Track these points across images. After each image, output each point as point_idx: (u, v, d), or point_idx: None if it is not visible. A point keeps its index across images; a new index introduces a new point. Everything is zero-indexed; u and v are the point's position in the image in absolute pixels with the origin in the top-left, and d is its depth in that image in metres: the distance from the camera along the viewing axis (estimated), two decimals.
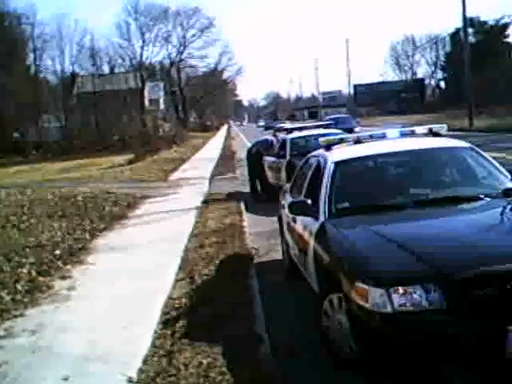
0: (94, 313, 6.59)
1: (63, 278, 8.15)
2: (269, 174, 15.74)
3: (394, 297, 4.10)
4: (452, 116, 47.58)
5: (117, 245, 10.22)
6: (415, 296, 4.09)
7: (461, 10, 41.39)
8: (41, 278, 8.02)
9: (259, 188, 16.53)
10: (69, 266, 8.76)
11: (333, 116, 45.46)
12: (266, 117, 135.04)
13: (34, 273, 8.19)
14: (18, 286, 7.55)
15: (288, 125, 24.66)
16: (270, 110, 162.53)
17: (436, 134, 6.86)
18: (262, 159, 16.36)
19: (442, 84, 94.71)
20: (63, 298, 7.25)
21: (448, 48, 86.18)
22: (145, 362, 5.20)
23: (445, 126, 7.05)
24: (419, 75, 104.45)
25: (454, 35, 72.35)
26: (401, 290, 4.11)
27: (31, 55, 63.92)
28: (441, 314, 4.05)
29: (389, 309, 4.10)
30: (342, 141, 6.95)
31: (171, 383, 4.75)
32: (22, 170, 34.24)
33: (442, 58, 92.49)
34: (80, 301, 7.12)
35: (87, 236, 10.85)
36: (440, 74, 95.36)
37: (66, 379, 4.86)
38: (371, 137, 6.80)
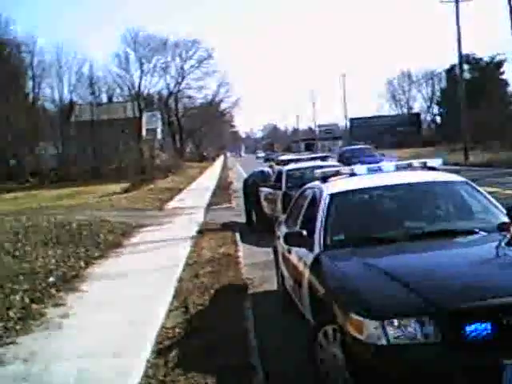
0: (86, 341, 6.54)
1: (56, 305, 8.10)
2: (264, 204, 15.76)
3: (389, 329, 4.10)
4: (448, 150, 47.87)
5: (111, 273, 10.18)
6: (410, 329, 4.09)
7: (456, 47, 41.91)
8: (34, 306, 7.97)
9: (254, 219, 16.51)
10: (62, 294, 8.71)
11: (349, 148, 42.31)
12: (264, 148, 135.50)
13: (27, 300, 8.14)
14: (11, 313, 7.49)
15: (290, 156, 24.58)
16: (267, 142, 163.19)
17: (431, 168, 6.91)
18: (258, 190, 16.38)
19: (438, 119, 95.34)
20: (56, 325, 7.20)
21: (444, 84, 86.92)
22: None
23: (440, 160, 7.10)
24: (415, 110, 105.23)
25: (450, 71, 72.96)
26: (395, 322, 4.10)
27: (30, 83, 64.34)
28: (435, 348, 4.04)
29: (384, 341, 4.09)
30: (337, 173, 6.98)
31: None
32: (18, 197, 34.20)
33: (438, 94, 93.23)
34: (73, 329, 7.08)
35: (82, 264, 10.80)
36: (436, 109, 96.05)
37: None
38: (367, 170, 6.84)
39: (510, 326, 4.01)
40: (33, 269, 10.03)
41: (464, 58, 47.52)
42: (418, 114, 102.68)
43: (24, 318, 7.43)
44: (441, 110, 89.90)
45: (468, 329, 4.03)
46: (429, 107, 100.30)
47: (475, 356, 3.99)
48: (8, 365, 5.92)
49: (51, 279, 9.30)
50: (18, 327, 7.09)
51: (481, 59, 72.93)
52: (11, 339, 6.68)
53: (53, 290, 8.78)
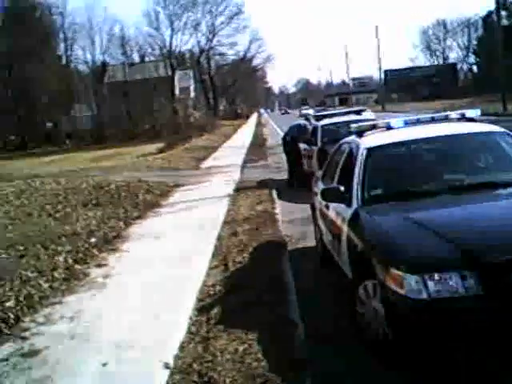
0: (129, 300, 6.69)
1: (99, 265, 8.27)
2: (302, 160, 15.69)
3: (430, 283, 4.09)
4: (485, 100, 46.89)
5: (151, 232, 10.32)
6: (451, 283, 4.08)
7: None
8: (77, 266, 8.15)
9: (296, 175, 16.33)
10: (104, 254, 8.88)
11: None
12: (298, 104, 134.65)
13: (70, 261, 8.33)
14: (56, 274, 7.68)
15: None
16: (300, 97, 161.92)
17: (470, 119, 6.78)
18: (297, 145, 16.23)
19: (475, 68, 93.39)
20: (99, 285, 7.37)
21: (480, 32, 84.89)
22: (181, 348, 5.27)
23: (478, 110, 6.95)
24: (451, 60, 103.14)
25: (487, 18, 71.29)
26: (436, 276, 4.10)
27: (62, 45, 64.68)
28: (477, 301, 4.04)
29: (424, 295, 4.09)
30: (374, 127, 6.89)
31: (208, 369, 4.81)
32: (55, 160, 34.69)
33: (474, 42, 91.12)
34: (116, 288, 7.23)
35: (121, 224, 10.97)
36: (472, 58, 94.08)
37: (104, 365, 4.95)
38: (404, 123, 6.74)
39: None
40: (74, 230, 10.22)
41: (501, 4, 46.19)
42: (454, 64, 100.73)
43: (68, 278, 7.62)
44: (478, 59, 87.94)
45: (510, 280, 4.00)
46: (465, 56, 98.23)
47: None
48: (56, 323, 6.09)
49: (93, 240, 9.48)
50: (63, 287, 7.28)
51: None
52: (58, 299, 6.86)
53: (95, 251, 8.96)
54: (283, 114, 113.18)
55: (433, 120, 6.73)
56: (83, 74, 66.99)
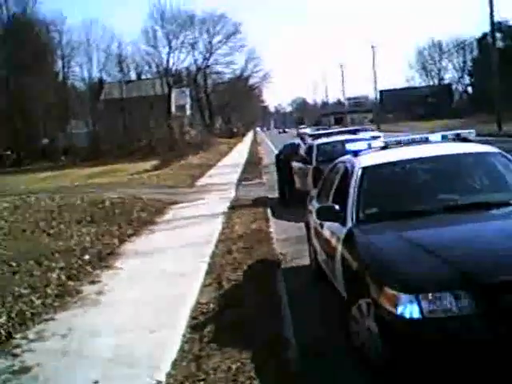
0: (122, 317, 6.65)
1: (92, 282, 8.24)
2: (296, 179, 15.73)
3: (424, 303, 4.09)
4: (480, 121, 47.11)
5: (145, 250, 10.30)
6: (445, 302, 4.08)
7: (488, 15, 41.05)
8: (70, 283, 8.12)
9: (287, 194, 16.44)
10: (98, 271, 8.85)
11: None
12: (294, 123, 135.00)
13: (63, 277, 8.29)
14: (49, 290, 7.64)
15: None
16: (296, 116, 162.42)
17: (464, 139, 6.81)
18: (290, 164, 16.30)
19: (470, 89, 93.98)
20: (92, 302, 7.33)
21: (475, 53, 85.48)
22: (173, 366, 5.24)
23: (473, 131, 6.99)
24: (446, 80, 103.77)
25: (482, 40, 71.73)
26: (430, 296, 4.09)
27: (59, 62, 64.98)
28: (471, 321, 4.04)
29: (418, 315, 4.09)
30: (369, 146, 6.92)
31: None
32: (50, 176, 34.67)
33: (470, 63, 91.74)
34: (109, 305, 7.19)
35: (116, 241, 10.94)
36: (467, 79, 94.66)
37: (96, 382, 4.90)
38: (399, 143, 6.77)
39: None
40: (68, 247, 10.20)
41: (496, 26, 46.58)
42: (449, 85, 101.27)
43: (61, 294, 7.58)
44: (472, 80, 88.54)
45: (503, 301, 4.00)
46: (460, 77, 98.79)
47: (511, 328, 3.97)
48: (47, 340, 6.05)
49: (86, 257, 9.45)
50: (55, 304, 7.24)
51: None
52: (50, 315, 6.83)
53: (88, 268, 8.93)
54: (280, 133, 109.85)
55: (427, 140, 6.77)
56: (80, 90, 67.22)
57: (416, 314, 4.10)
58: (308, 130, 23.68)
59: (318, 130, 26.72)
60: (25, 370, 5.31)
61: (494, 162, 6.36)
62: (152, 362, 5.28)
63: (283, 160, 17.02)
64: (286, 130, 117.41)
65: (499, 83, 41.07)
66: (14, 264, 8.95)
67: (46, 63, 60.01)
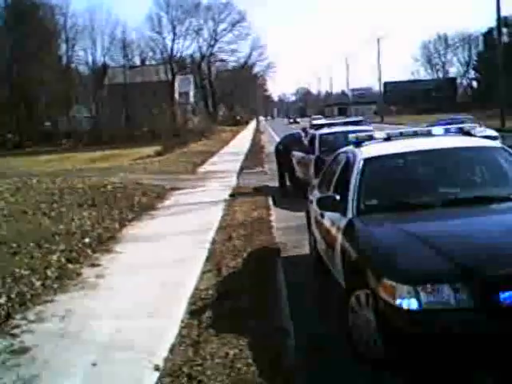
0: (121, 301, 6.67)
1: (92, 265, 8.26)
2: (297, 168, 15.75)
3: (422, 294, 4.11)
4: (484, 116, 47.01)
5: (145, 235, 10.33)
6: (443, 294, 4.10)
7: (495, 9, 40.90)
8: (70, 265, 8.14)
9: (288, 183, 16.49)
10: (98, 254, 8.87)
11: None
12: (297, 113, 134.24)
13: (63, 260, 8.31)
14: (49, 273, 7.66)
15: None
16: (299, 106, 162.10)
17: (467, 133, 6.82)
18: (291, 154, 16.32)
19: (475, 84, 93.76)
20: (91, 285, 7.36)
21: (481, 47, 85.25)
22: (171, 351, 5.27)
23: (476, 125, 7.00)
24: (451, 74, 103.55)
25: (487, 34, 71.55)
26: (429, 287, 4.11)
27: (63, 46, 64.81)
28: (468, 313, 4.06)
29: (416, 306, 4.11)
30: (371, 138, 6.92)
31: (197, 373, 4.80)
32: (52, 159, 34.67)
33: (475, 58, 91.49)
34: (108, 288, 7.22)
35: (116, 225, 10.96)
36: (472, 74, 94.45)
37: (94, 365, 4.94)
38: (402, 134, 6.78)
39: None
40: (68, 230, 10.21)
41: (502, 21, 46.38)
42: (453, 79, 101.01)
43: (61, 277, 7.60)
44: (477, 74, 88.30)
45: (502, 296, 4.02)
46: (465, 72, 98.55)
47: (508, 322, 3.99)
48: (47, 322, 6.08)
49: (87, 240, 9.47)
50: (55, 286, 7.26)
51: None
52: (49, 297, 6.85)
53: (88, 251, 8.95)
54: (291, 123, 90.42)
55: (430, 133, 6.77)
56: (83, 74, 67.08)
57: (414, 306, 4.12)
58: (323, 121, 23.27)
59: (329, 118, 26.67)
60: (23, 350, 5.34)
61: (496, 157, 6.37)
62: (150, 347, 5.30)
63: (283, 150, 17.02)
64: (298, 119, 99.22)
65: (504, 78, 40.94)
66: (14, 245, 8.97)
67: (50, 48, 59.86)
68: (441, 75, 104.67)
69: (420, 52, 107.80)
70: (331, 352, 5.21)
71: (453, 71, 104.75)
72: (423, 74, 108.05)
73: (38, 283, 7.22)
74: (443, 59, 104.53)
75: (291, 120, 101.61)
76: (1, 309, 6.27)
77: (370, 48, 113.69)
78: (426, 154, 6.38)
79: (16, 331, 5.81)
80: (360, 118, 19.05)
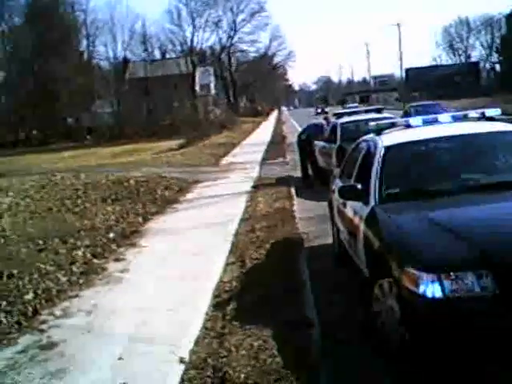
0: (146, 294, 6.72)
1: (117, 260, 8.33)
2: (319, 158, 15.70)
3: (446, 282, 4.07)
4: (508, 99, 46.38)
5: (169, 228, 10.37)
6: (467, 282, 4.06)
7: None
8: (95, 260, 8.22)
9: (310, 173, 16.45)
10: (122, 249, 8.94)
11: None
12: (318, 102, 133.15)
13: (88, 255, 8.40)
14: (74, 268, 7.75)
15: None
16: (320, 95, 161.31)
17: (489, 119, 6.72)
18: (313, 144, 16.29)
19: (498, 67, 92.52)
20: (117, 279, 7.42)
21: (504, 30, 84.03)
22: (196, 343, 5.31)
23: (499, 109, 6.89)
24: (474, 58, 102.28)
25: (510, 17, 70.47)
26: (452, 275, 4.07)
27: (84, 42, 65.15)
28: (492, 301, 4.01)
29: (440, 294, 4.08)
30: (392, 125, 6.87)
31: (222, 364, 4.83)
32: (75, 155, 34.92)
33: (498, 41, 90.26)
34: (133, 282, 7.28)
35: (140, 219, 11.04)
36: (495, 57, 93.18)
37: (120, 359, 4.98)
38: (423, 121, 6.70)
39: None
40: (93, 225, 10.31)
41: None
42: (476, 63, 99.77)
43: (86, 272, 7.68)
44: (501, 58, 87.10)
45: None
46: (488, 55, 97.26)
47: None
48: (73, 317, 6.15)
49: (111, 235, 9.55)
50: (81, 281, 7.34)
51: None
52: (75, 292, 6.92)
53: (113, 246, 9.03)
54: (319, 113, 70.39)
55: (452, 119, 6.69)
56: (104, 69, 67.37)
57: (438, 294, 4.08)
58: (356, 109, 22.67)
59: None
60: (51, 345, 5.41)
61: None
62: (175, 339, 5.35)
63: (305, 139, 16.97)
64: (326, 109, 73.35)
65: None
66: (40, 242, 9.09)
67: (71, 44, 60.23)
68: (463, 60, 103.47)
69: (441, 37, 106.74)
70: (357, 341, 5.19)
71: (475, 55, 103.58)
72: (445, 59, 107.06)
73: (63, 279, 7.30)
74: (465, 43, 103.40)
75: (319, 110, 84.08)
76: (28, 305, 6.36)
77: (390, 34, 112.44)
78: (447, 141, 6.31)
79: (43, 327, 5.89)
80: (380, 106, 18.91)
